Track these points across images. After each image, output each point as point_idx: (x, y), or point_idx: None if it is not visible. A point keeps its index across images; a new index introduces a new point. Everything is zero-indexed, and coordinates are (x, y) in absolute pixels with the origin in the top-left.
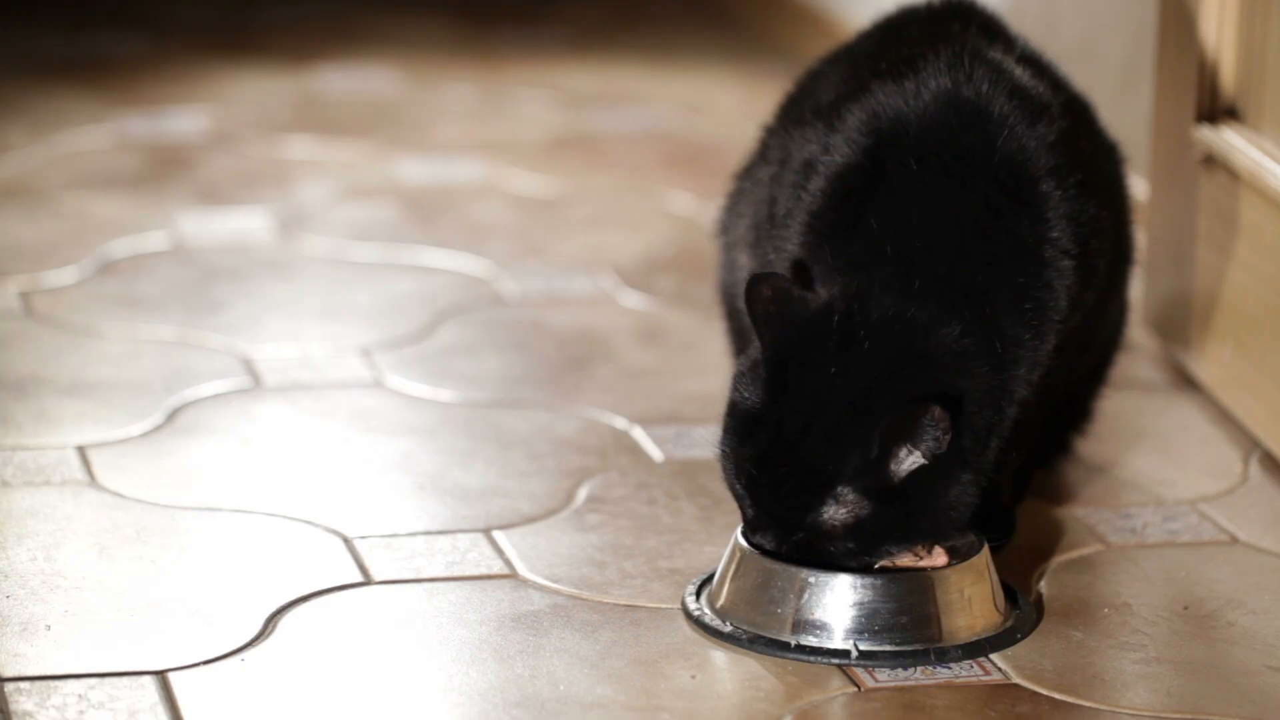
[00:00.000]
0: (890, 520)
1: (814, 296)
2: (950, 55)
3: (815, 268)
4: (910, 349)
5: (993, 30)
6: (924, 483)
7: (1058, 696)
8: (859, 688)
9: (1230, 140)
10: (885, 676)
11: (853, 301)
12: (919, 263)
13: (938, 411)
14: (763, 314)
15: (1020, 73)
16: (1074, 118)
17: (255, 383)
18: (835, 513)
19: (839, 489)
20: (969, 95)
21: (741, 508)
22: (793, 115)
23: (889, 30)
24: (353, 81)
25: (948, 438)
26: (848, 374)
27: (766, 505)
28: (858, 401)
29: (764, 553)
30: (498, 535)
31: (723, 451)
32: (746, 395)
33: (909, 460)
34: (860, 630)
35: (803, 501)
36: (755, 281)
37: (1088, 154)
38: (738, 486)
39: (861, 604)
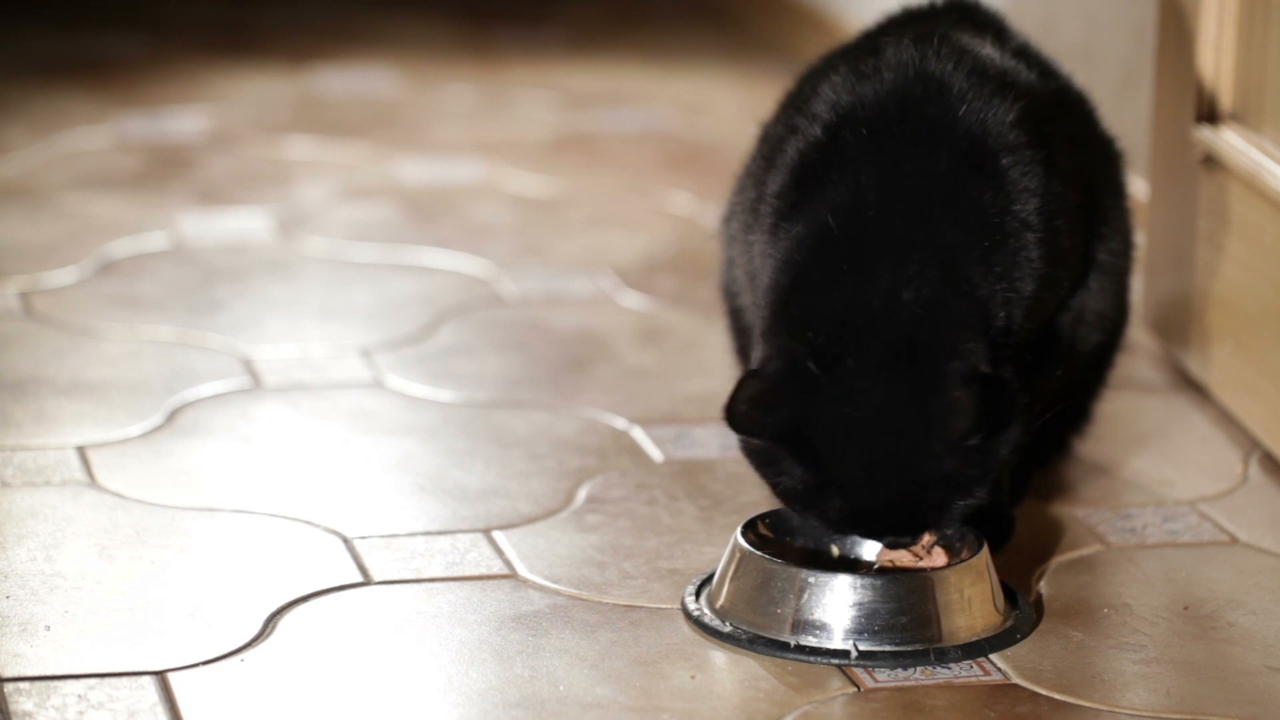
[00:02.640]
0: (973, 470)
1: (777, 368)
2: (916, 37)
3: (772, 251)
4: (918, 334)
5: (985, 25)
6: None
7: (1057, 697)
8: (859, 688)
9: (1230, 140)
10: (885, 677)
11: (828, 344)
12: (885, 226)
13: (993, 381)
14: (760, 427)
15: (990, 55)
16: (1063, 107)
17: (255, 383)
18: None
19: (943, 478)
20: (930, 70)
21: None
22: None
23: (885, 27)
24: (353, 82)
25: (998, 394)
26: (886, 388)
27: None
28: (912, 405)
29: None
30: (497, 535)
31: (813, 521)
32: (800, 478)
33: (976, 432)
34: (860, 630)
35: (925, 513)
36: (732, 412)
37: (1059, 137)
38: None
39: (861, 604)
